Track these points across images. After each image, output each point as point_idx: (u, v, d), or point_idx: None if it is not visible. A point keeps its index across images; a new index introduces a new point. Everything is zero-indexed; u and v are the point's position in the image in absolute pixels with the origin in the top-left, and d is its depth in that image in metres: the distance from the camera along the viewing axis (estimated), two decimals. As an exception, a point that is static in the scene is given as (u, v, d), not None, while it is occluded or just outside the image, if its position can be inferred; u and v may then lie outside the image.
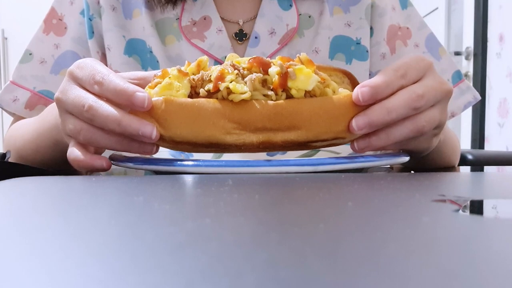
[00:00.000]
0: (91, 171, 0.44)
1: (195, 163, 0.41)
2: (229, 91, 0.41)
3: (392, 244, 0.16)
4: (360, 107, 0.41)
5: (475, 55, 2.41)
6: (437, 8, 2.80)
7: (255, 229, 0.19)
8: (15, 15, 2.85)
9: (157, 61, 0.68)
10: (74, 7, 0.72)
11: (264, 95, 0.41)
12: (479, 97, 0.75)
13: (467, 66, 2.45)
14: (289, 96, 0.42)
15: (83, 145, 0.44)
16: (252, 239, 0.17)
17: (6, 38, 2.87)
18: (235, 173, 0.40)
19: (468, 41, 2.45)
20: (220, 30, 0.68)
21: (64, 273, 0.14)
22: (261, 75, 0.42)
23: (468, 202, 0.25)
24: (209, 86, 0.41)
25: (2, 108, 0.72)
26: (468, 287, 0.12)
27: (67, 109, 0.44)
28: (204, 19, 0.68)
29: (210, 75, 0.42)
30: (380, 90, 0.41)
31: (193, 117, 0.40)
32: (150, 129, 0.40)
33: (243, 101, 0.40)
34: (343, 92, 0.43)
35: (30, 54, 0.71)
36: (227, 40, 0.68)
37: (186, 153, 0.58)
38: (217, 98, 0.41)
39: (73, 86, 0.44)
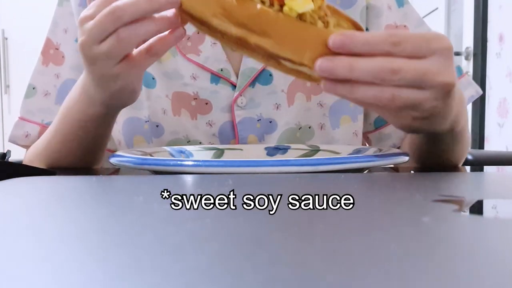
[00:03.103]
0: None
1: (195, 163, 0.41)
2: None
3: (392, 244, 0.16)
4: (331, 51, 0.41)
5: (474, 55, 2.41)
6: (437, 8, 2.80)
7: (255, 229, 0.19)
8: (15, 15, 2.85)
9: (153, 78, 0.68)
10: (69, 35, 0.72)
11: (262, 2, 0.43)
12: (480, 91, 0.74)
13: (467, 66, 2.45)
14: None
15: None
16: (252, 239, 0.17)
17: (6, 38, 2.87)
18: (235, 173, 0.40)
19: (467, 41, 2.45)
20: (214, 43, 0.68)
21: (64, 272, 0.14)
22: None
23: (468, 202, 0.25)
24: None
25: (17, 144, 0.72)
26: (468, 287, 0.12)
27: (94, 39, 0.45)
28: (198, 33, 0.68)
29: None
30: (353, 45, 0.40)
31: None
32: None
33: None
34: (333, 30, 0.43)
35: (34, 88, 0.72)
36: (222, 52, 0.68)
37: (186, 153, 0.58)
38: None
39: (87, 23, 0.46)
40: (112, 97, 0.51)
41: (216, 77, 0.68)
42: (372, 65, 0.40)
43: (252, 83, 0.68)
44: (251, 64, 0.67)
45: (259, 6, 0.42)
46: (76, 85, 0.58)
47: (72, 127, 0.57)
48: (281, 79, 0.68)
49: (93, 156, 0.60)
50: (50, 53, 0.72)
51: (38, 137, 0.71)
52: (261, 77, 0.68)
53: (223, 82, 0.68)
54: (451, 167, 0.58)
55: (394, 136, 0.74)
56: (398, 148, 0.73)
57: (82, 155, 0.59)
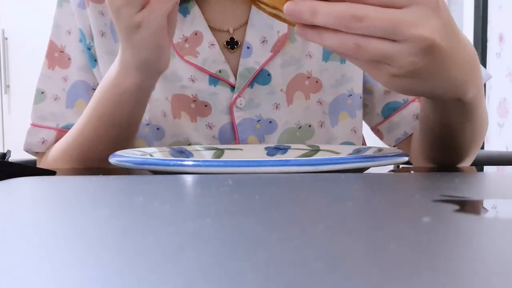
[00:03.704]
0: None
1: (195, 163, 0.41)
2: None
3: (392, 244, 0.16)
4: None
5: (475, 55, 2.40)
6: (437, 8, 2.80)
7: (255, 229, 0.19)
8: (15, 15, 2.85)
9: None
10: (73, 37, 0.71)
11: None
12: (490, 75, 0.71)
13: (467, 66, 2.45)
14: None
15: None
16: (252, 239, 0.17)
17: (6, 38, 2.87)
18: (235, 173, 0.40)
19: (468, 41, 2.45)
20: (212, 45, 0.67)
21: (64, 273, 0.14)
22: None
23: (468, 202, 0.25)
24: None
25: (32, 153, 0.71)
26: (468, 287, 0.12)
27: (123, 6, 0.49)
28: (195, 34, 0.68)
29: None
30: None
31: None
32: None
33: None
34: None
35: (42, 92, 0.71)
36: (220, 53, 0.67)
37: (186, 153, 0.58)
38: None
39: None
40: (140, 55, 0.52)
41: (214, 79, 0.67)
42: (335, 10, 0.38)
43: (251, 84, 0.68)
44: (249, 65, 0.67)
45: None
46: (111, 67, 0.59)
47: (108, 108, 0.57)
48: (279, 79, 0.68)
49: (122, 147, 0.60)
50: (55, 56, 0.71)
51: (55, 142, 0.70)
52: (260, 77, 0.68)
53: (222, 84, 0.67)
54: (453, 166, 0.58)
55: (404, 124, 0.72)
56: (411, 135, 0.73)
57: (113, 144, 0.59)
